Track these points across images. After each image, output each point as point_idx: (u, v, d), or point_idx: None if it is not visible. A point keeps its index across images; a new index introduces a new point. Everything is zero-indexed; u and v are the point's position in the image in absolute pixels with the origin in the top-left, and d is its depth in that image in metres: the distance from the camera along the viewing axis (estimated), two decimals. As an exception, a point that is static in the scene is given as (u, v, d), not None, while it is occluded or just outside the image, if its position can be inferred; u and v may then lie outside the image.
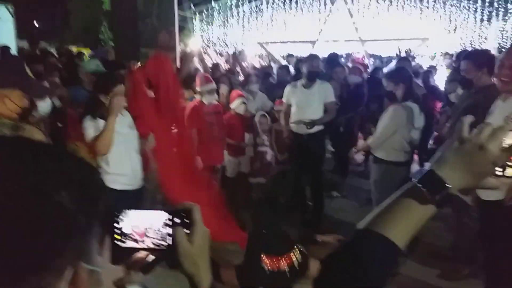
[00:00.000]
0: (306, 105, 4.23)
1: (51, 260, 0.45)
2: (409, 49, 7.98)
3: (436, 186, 0.71)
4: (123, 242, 0.72)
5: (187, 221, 0.72)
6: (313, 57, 4.44)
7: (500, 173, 0.75)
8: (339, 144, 5.69)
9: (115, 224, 0.72)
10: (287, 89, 4.45)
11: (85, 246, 0.53)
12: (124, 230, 0.72)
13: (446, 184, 0.70)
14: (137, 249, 0.73)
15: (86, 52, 9.93)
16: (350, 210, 4.90)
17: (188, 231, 0.72)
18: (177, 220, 0.72)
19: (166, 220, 0.73)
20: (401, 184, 2.91)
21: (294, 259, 2.88)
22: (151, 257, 0.76)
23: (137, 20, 9.75)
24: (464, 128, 0.72)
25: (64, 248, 0.47)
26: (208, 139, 4.11)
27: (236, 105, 4.53)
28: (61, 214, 0.47)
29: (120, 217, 0.73)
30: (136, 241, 0.72)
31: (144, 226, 0.72)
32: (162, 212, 0.73)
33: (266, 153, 4.77)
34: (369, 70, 7.58)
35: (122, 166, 2.97)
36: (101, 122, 2.85)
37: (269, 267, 2.88)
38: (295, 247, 2.89)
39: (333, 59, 6.29)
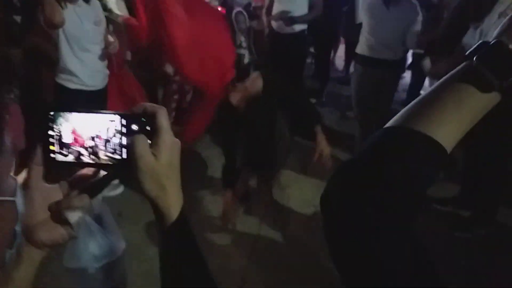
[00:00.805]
0: (290, 0, 3.83)
1: None
2: None
3: (505, 64, 0.49)
4: (62, 155, 0.56)
5: (148, 128, 0.55)
6: None
7: None
8: (321, 47, 5.36)
9: (50, 132, 0.55)
10: None
11: None
12: (62, 138, 0.56)
13: None
14: (81, 164, 0.57)
15: None
16: (328, 117, 4.78)
17: (150, 142, 0.55)
18: (134, 127, 0.56)
19: (119, 126, 0.56)
20: (379, 88, 2.65)
21: None
22: (100, 175, 0.60)
23: None
24: None
25: None
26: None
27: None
28: None
29: (57, 121, 0.55)
30: (79, 153, 0.56)
31: (90, 134, 0.56)
32: (115, 115, 0.56)
33: (244, 56, 4.43)
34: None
35: (80, 65, 2.67)
36: None
37: None
38: None
39: None
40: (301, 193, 3.22)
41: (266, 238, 2.80)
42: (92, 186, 0.60)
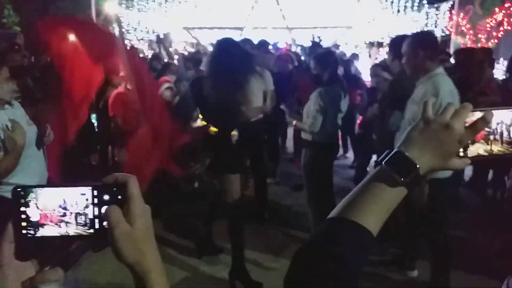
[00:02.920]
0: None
1: None
2: (319, 36, 8.42)
3: (405, 167, 0.68)
4: (34, 230, 0.56)
5: (119, 197, 0.57)
6: (245, 42, 4.28)
7: (462, 154, 0.76)
8: (272, 132, 5.65)
9: (21, 208, 0.56)
10: None
11: None
12: (33, 214, 0.56)
13: (416, 165, 0.68)
14: (52, 238, 0.57)
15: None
16: (284, 196, 4.99)
17: (122, 210, 0.57)
18: (106, 197, 0.57)
19: (91, 197, 0.57)
20: (327, 167, 2.91)
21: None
22: (72, 247, 0.60)
23: (48, 2, 8.95)
24: (429, 109, 0.72)
25: None
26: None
27: (162, 90, 4.27)
28: None
29: (28, 197, 0.56)
30: (50, 227, 0.57)
31: (61, 207, 0.57)
32: (85, 188, 0.57)
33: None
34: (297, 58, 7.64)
35: (21, 175, 2.43)
36: None
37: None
38: None
39: (262, 45, 6.16)
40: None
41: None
42: (66, 259, 0.60)
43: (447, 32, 10.24)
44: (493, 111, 0.73)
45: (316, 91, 3.53)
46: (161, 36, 6.95)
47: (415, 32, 3.37)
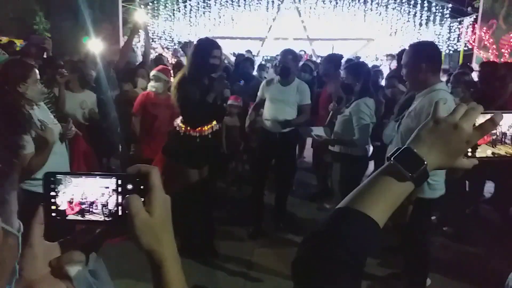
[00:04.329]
0: (282, 103, 3.99)
1: None
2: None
3: (414, 163, 0.70)
4: (61, 214, 0.60)
5: (142, 187, 0.60)
6: (284, 52, 4.12)
7: (471, 154, 0.77)
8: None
9: (52, 193, 0.60)
10: (263, 84, 4.23)
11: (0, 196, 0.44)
12: (61, 202, 0.60)
13: (424, 162, 0.70)
14: (79, 222, 0.61)
15: (18, 42, 9.15)
16: (299, 205, 4.94)
17: (143, 200, 0.60)
18: (129, 187, 0.60)
19: (115, 186, 0.60)
20: (360, 179, 2.86)
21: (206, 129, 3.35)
22: (96, 232, 0.64)
23: (77, 10, 9.29)
24: (439, 109, 0.74)
25: None
26: (151, 130, 4.07)
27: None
28: None
29: (58, 187, 0.60)
30: (77, 213, 0.61)
31: (88, 194, 0.61)
32: (111, 177, 0.61)
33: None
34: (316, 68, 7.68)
35: (47, 170, 2.50)
36: None
37: (183, 132, 3.32)
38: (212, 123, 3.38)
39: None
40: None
41: None
42: (90, 242, 0.63)
43: (470, 46, 10.16)
44: (503, 114, 0.73)
45: (357, 101, 3.39)
46: (185, 44, 7.17)
47: (416, 42, 3.10)
